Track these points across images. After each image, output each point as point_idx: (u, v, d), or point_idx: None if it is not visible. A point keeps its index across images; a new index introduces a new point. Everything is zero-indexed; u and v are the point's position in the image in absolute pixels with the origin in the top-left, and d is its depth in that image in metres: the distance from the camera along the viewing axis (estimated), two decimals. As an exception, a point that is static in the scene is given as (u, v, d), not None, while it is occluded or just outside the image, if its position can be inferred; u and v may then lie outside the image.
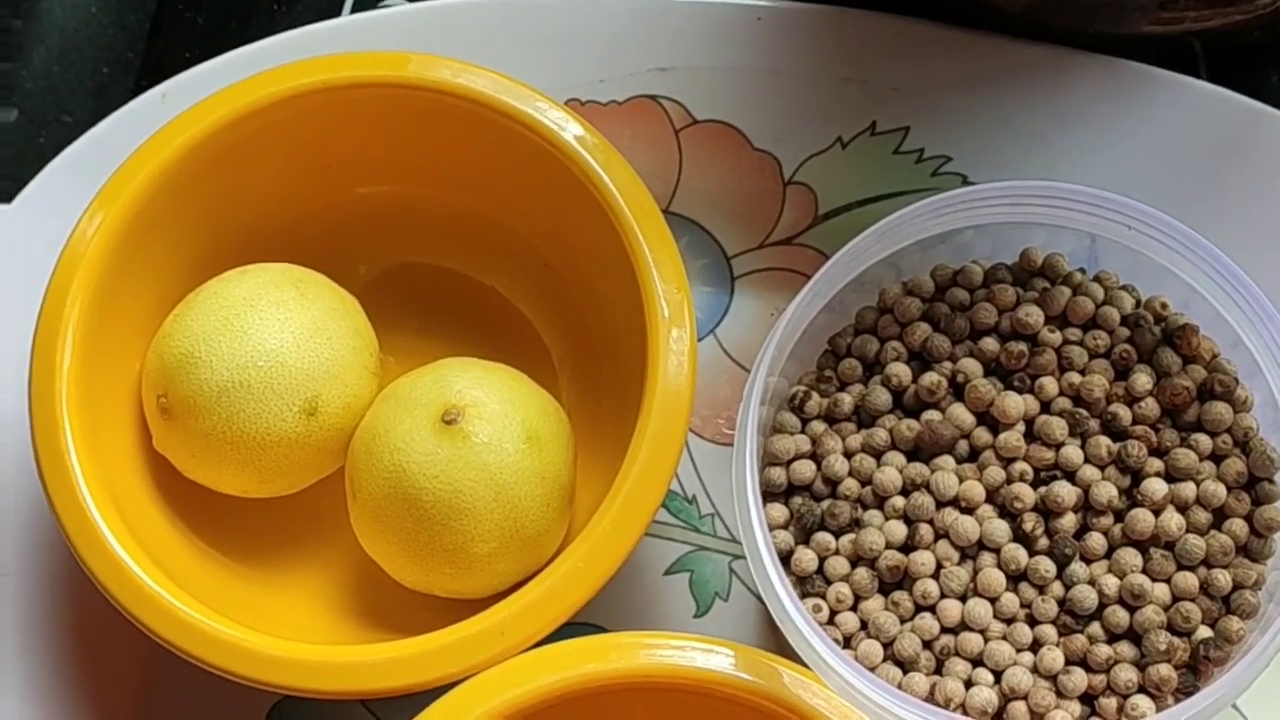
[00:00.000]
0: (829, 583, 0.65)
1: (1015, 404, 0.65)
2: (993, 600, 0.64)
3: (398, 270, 0.74)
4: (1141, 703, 0.63)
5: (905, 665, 0.64)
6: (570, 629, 0.64)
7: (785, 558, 0.65)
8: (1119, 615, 0.64)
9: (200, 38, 0.80)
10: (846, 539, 0.65)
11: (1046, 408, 0.66)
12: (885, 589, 0.65)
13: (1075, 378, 0.66)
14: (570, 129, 0.68)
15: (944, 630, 0.64)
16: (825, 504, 0.66)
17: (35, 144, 0.79)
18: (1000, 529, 0.65)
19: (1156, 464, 0.65)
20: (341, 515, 0.69)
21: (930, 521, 0.65)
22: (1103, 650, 0.63)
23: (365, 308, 0.70)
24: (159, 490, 0.69)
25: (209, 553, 0.70)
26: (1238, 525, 0.65)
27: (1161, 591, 0.64)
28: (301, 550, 0.71)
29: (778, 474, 0.66)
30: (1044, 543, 0.65)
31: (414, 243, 0.74)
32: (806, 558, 0.65)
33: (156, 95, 0.74)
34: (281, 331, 0.66)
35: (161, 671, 0.70)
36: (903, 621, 0.64)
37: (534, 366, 0.71)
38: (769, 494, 0.66)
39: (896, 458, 0.66)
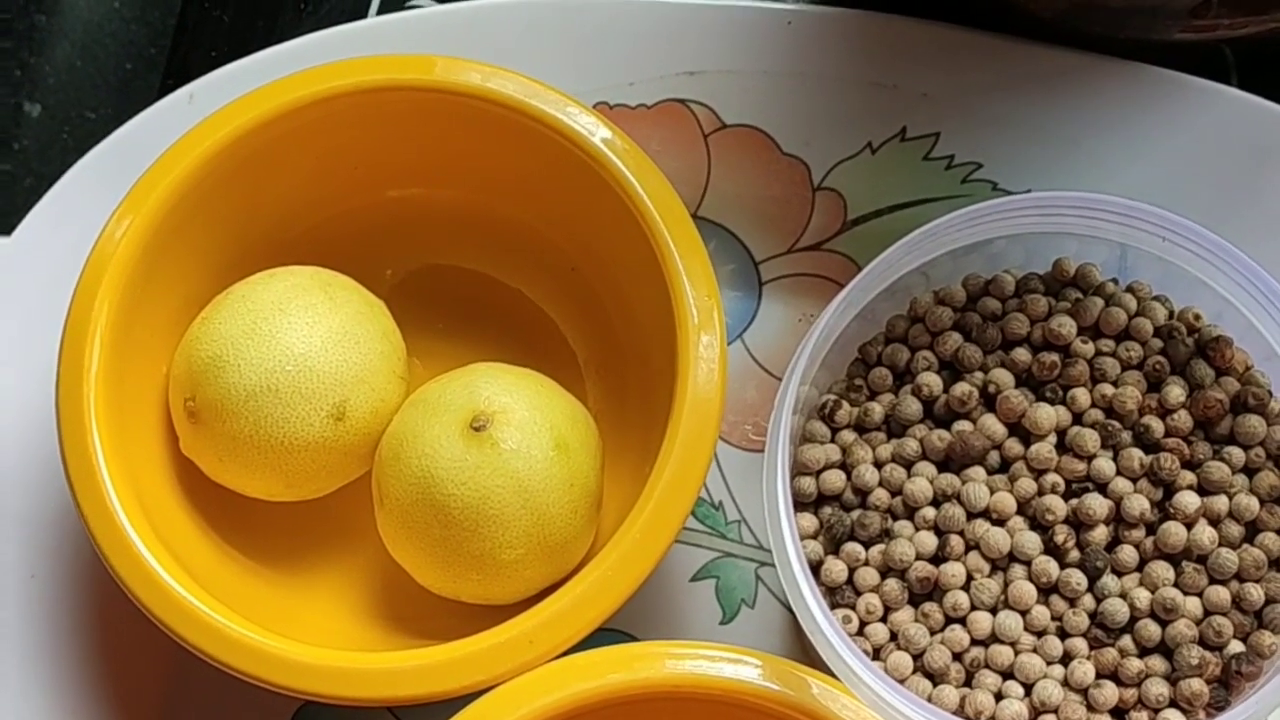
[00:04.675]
0: (859, 593, 0.65)
1: (1047, 415, 0.65)
2: (1023, 613, 0.64)
3: (425, 273, 0.74)
4: (1173, 717, 0.63)
5: (935, 677, 0.64)
6: (595, 635, 0.64)
7: (815, 568, 0.65)
8: (1150, 629, 0.63)
9: (226, 36, 0.80)
10: (876, 550, 0.65)
11: (1079, 419, 0.66)
12: (915, 600, 0.65)
13: (1108, 389, 0.66)
14: (599, 133, 0.68)
15: (974, 642, 0.64)
16: (855, 514, 0.65)
17: (58, 139, 0.79)
18: (1031, 541, 0.64)
19: (1189, 477, 0.65)
20: (368, 520, 0.68)
21: (961, 533, 0.65)
22: (1134, 664, 0.63)
23: (392, 310, 0.70)
24: (185, 494, 0.69)
25: (235, 557, 0.70)
26: (1270, 539, 0.64)
27: (1193, 605, 0.64)
28: (328, 555, 0.71)
29: (807, 484, 0.66)
30: (1075, 555, 0.64)
31: (441, 246, 0.74)
32: (836, 568, 0.65)
33: (184, 96, 0.74)
34: (310, 335, 0.66)
35: (187, 675, 0.70)
36: (933, 633, 0.64)
37: (560, 370, 0.71)
38: (798, 504, 0.66)
39: (927, 468, 0.66)
